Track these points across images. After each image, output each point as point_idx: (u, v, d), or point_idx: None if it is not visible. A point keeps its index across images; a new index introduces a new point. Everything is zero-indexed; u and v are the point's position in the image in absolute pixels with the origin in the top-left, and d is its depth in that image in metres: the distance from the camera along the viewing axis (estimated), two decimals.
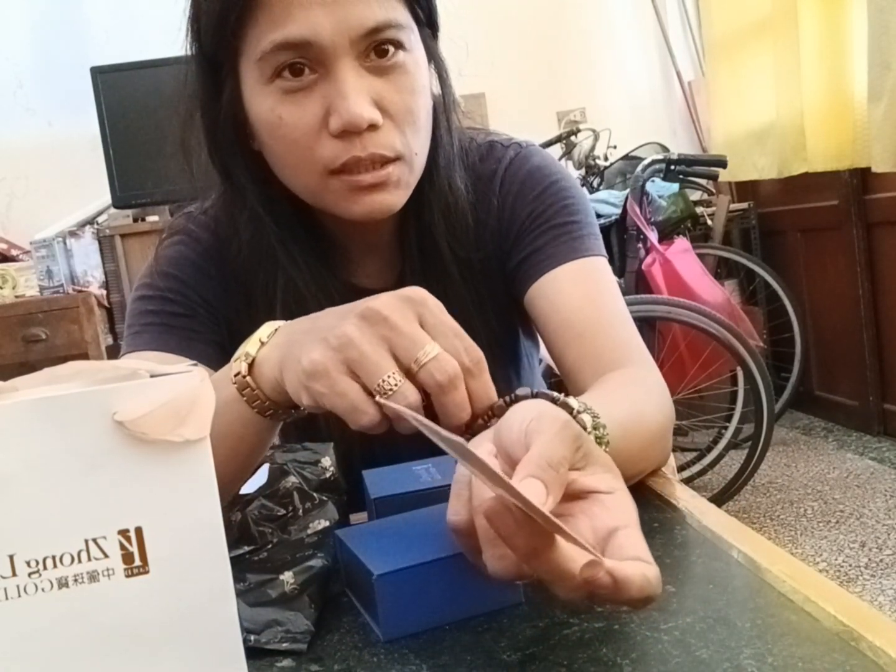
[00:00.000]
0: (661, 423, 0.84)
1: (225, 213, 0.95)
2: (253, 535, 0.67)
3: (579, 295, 0.93)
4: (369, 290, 0.85)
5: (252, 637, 0.58)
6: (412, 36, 0.84)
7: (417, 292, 0.64)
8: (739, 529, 0.69)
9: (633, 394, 0.83)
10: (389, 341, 0.60)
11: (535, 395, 0.64)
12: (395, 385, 0.59)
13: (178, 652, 0.45)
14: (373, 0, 0.80)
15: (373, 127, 0.81)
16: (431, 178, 0.92)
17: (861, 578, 2.32)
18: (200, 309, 0.94)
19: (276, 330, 0.69)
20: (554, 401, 0.64)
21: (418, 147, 0.86)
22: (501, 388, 0.67)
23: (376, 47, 0.81)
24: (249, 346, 0.69)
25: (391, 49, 0.82)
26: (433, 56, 0.91)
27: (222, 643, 0.46)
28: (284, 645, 0.58)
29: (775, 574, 0.60)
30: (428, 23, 0.89)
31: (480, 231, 0.97)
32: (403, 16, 0.83)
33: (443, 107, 0.93)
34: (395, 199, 0.86)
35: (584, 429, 0.64)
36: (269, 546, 0.67)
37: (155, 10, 3.56)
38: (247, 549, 0.66)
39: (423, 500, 0.71)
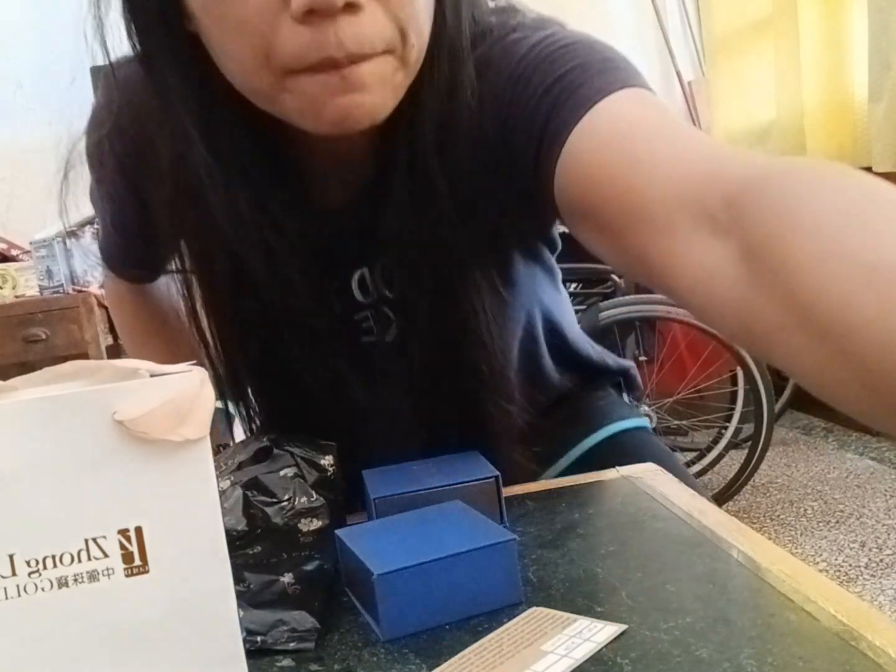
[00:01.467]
0: None
1: (148, 115, 0.75)
2: (242, 518, 0.66)
3: (647, 118, 0.63)
4: (330, 210, 0.78)
5: (259, 638, 0.58)
6: None
7: None
8: (739, 529, 0.69)
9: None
10: None
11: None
12: None
13: (178, 651, 0.45)
14: None
15: (352, 7, 0.58)
16: (431, 75, 0.69)
17: (861, 578, 2.32)
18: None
19: None
20: None
21: (416, 34, 0.64)
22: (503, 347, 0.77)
23: None
24: None
25: None
26: None
27: (222, 642, 0.46)
28: (292, 644, 0.58)
29: (775, 574, 0.60)
30: None
31: (481, 137, 0.73)
32: None
33: None
34: (379, 103, 0.64)
35: None
36: (259, 532, 0.65)
37: None
38: (235, 532, 0.65)
39: (423, 500, 0.73)
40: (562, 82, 0.66)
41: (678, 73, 4.07)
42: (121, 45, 0.71)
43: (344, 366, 0.82)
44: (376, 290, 0.82)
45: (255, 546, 0.65)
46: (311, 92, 0.62)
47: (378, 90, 0.63)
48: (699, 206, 0.53)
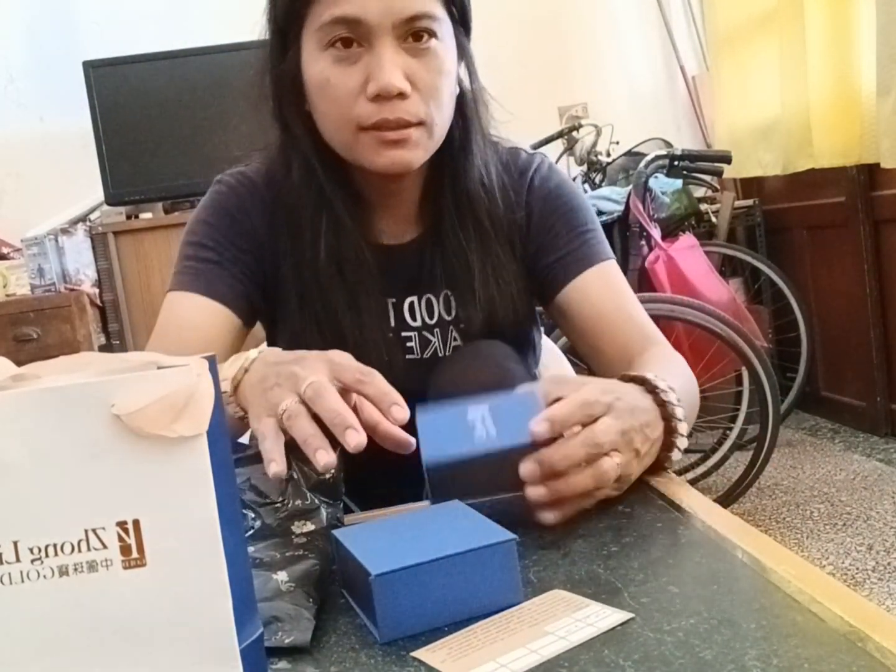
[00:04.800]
0: (696, 394, 1.05)
1: (280, 157, 1.11)
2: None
3: (608, 293, 1.12)
4: (387, 247, 1.13)
5: None
6: (446, 28, 1.01)
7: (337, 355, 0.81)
8: (744, 530, 0.70)
9: (677, 368, 1.02)
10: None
11: (631, 378, 0.88)
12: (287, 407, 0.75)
13: (173, 644, 0.46)
14: None
15: (402, 95, 0.98)
16: (454, 160, 1.09)
17: (868, 582, 2.29)
18: (229, 254, 1.10)
19: (253, 360, 0.85)
20: (636, 380, 0.88)
21: (439, 117, 1.02)
22: (511, 365, 1.05)
23: (414, 33, 0.98)
24: (237, 367, 0.85)
25: (426, 36, 0.99)
26: (464, 51, 1.08)
27: (217, 637, 0.46)
28: (287, 640, 0.58)
29: (781, 574, 0.60)
30: (461, 21, 1.06)
31: (508, 215, 1.13)
32: (440, 11, 1.00)
33: (473, 96, 1.10)
34: (414, 156, 1.02)
35: (660, 390, 0.86)
36: (251, 531, 0.68)
37: (148, 3, 3.53)
38: None
39: (479, 466, 0.75)
40: (585, 237, 1.15)
41: (682, 69, 4.05)
42: None
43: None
44: (421, 317, 1.13)
45: (249, 545, 0.66)
46: (372, 143, 1.00)
47: (413, 147, 1.01)
48: (631, 350, 1.08)
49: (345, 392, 0.76)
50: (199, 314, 1.08)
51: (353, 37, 0.98)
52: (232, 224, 1.11)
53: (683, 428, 0.87)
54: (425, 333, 1.13)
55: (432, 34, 1.00)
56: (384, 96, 0.97)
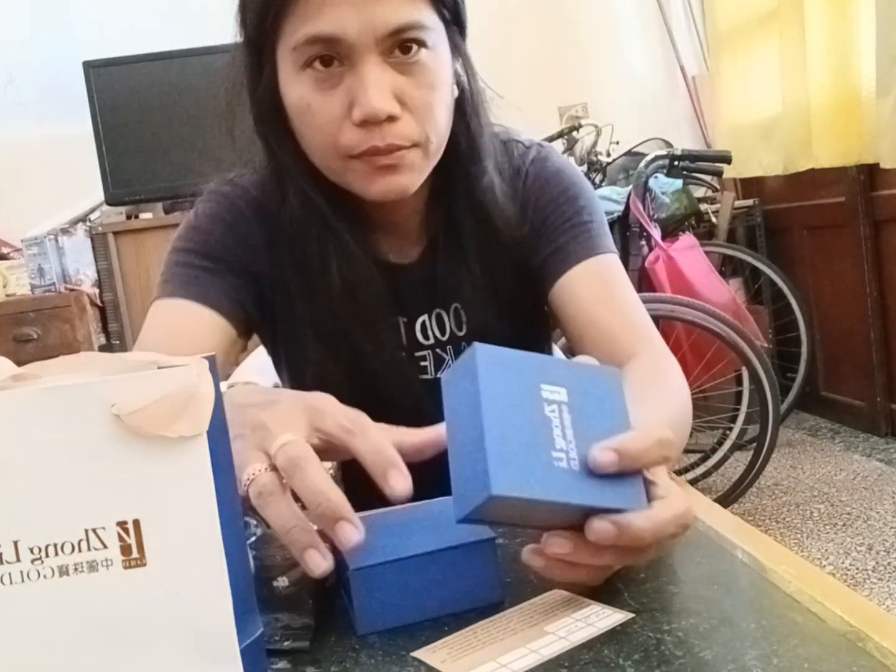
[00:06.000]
0: (689, 418, 0.95)
1: (273, 182, 1.02)
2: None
3: (596, 291, 1.03)
4: (394, 265, 1.05)
5: None
6: (436, 35, 0.91)
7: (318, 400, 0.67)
8: (744, 529, 0.70)
9: (666, 388, 0.94)
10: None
11: None
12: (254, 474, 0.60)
13: (173, 644, 0.46)
14: (398, 2, 0.87)
15: (392, 118, 0.88)
16: (462, 166, 1.00)
17: (868, 582, 2.30)
18: (223, 263, 1.02)
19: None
20: None
21: (435, 136, 0.93)
22: None
23: (400, 45, 0.88)
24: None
25: (414, 47, 0.89)
26: (461, 53, 0.98)
27: (217, 637, 0.46)
28: (286, 643, 0.58)
29: (780, 574, 0.60)
30: (455, 21, 0.95)
31: (511, 215, 1.05)
32: (428, 17, 0.89)
33: (471, 99, 1.00)
34: (409, 181, 0.93)
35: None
36: (253, 538, 0.67)
37: (148, 3, 3.53)
38: None
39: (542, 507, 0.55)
40: (578, 229, 1.05)
41: (682, 68, 4.05)
42: None
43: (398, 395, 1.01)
44: (433, 335, 1.07)
45: (251, 551, 0.64)
46: (363, 171, 0.91)
47: (408, 171, 0.92)
48: (619, 353, 0.98)
49: (325, 451, 0.63)
50: (191, 322, 0.99)
51: (332, 55, 0.88)
52: (227, 232, 1.03)
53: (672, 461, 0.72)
54: (438, 351, 1.07)
55: (422, 44, 0.89)
56: (371, 121, 0.87)
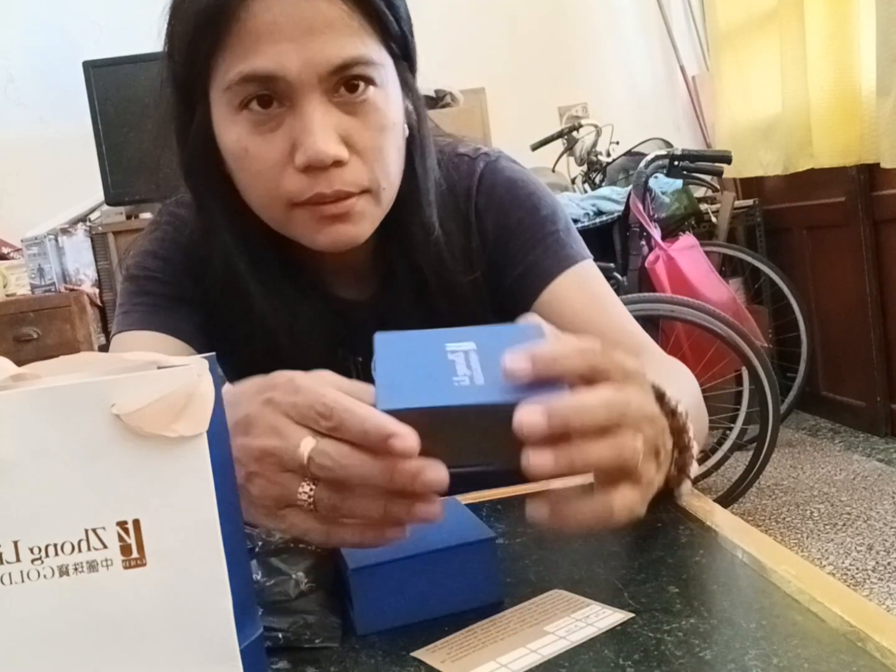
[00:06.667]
0: (705, 413, 0.90)
1: (200, 233, 0.95)
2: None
3: (582, 302, 0.96)
4: (349, 301, 0.99)
5: (280, 634, 0.59)
6: (384, 71, 0.84)
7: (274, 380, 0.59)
8: (744, 529, 0.69)
9: (683, 379, 0.89)
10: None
11: None
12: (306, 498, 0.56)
13: (173, 645, 0.46)
14: (342, 36, 0.80)
15: (338, 163, 0.81)
16: (409, 208, 0.93)
17: (868, 582, 2.30)
18: (186, 290, 0.97)
19: None
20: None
21: (386, 181, 0.86)
22: None
23: (346, 83, 0.81)
24: None
25: (361, 85, 0.82)
26: (410, 90, 0.91)
27: (217, 637, 0.46)
28: (318, 642, 0.59)
29: (781, 574, 0.60)
30: (404, 56, 0.89)
31: (465, 253, 0.97)
32: (376, 52, 0.82)
33: (418, 141, 0.93)
34: (359, 230, 0.86)
35: (668, 398, 0.66)
36: (259, 546, 0.66)
37: (148, 3, 3.52)
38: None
39: (456, 423, 0.54)
40: (546, 242, 0.97)
41: (682, 68, 4.06)
42: None
43: None
44: None
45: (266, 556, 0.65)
46: (308, 220, 0.84)
47: (358, 220, 0.85)
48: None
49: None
50: (160, 352, 0.91)
51: (271, 94, 0.80)
52: (185, 259, 0.97)
53: (695, 449, 0.68)
54: None
55: (369, 82, 0.82)
56: (316, 167, 0.80)
